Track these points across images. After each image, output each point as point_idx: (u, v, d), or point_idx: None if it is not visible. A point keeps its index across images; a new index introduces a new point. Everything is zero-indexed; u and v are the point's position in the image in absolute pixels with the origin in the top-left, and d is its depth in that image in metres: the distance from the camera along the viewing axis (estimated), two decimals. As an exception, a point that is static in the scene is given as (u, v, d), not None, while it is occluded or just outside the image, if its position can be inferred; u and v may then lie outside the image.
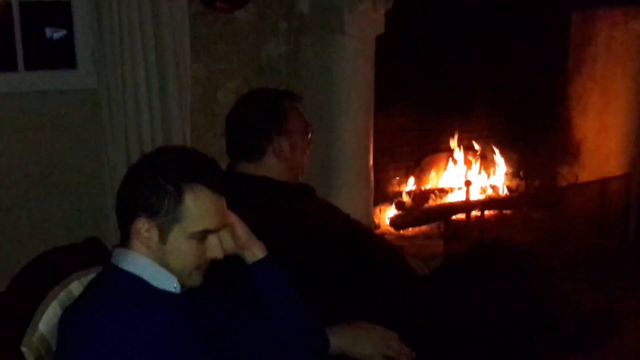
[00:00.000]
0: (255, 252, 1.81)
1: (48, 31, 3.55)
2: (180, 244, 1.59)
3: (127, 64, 3.29)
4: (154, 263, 1.60)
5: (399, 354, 2.06)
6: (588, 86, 4.72)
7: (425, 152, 4.54)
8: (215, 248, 1.65)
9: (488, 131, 4.71)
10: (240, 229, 1.78)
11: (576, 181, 4.49)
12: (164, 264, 1.60)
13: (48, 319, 1.64)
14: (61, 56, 3.50)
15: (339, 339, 1.98)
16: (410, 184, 4.48)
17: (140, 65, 3.31)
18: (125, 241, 1.63)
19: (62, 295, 1.70)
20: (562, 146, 4.86)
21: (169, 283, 1.61)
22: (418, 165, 4.51)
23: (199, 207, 1.58)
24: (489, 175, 4.67)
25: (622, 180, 4.54)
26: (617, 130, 4.62)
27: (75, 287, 1.72)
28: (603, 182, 4.47)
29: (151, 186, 1.57)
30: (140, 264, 1.60)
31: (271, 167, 2.31)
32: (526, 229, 4.26)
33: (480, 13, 4.26)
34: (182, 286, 1.62)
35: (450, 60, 4.33)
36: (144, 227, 1.58)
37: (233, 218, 1.76)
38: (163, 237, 1.58)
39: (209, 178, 1.60)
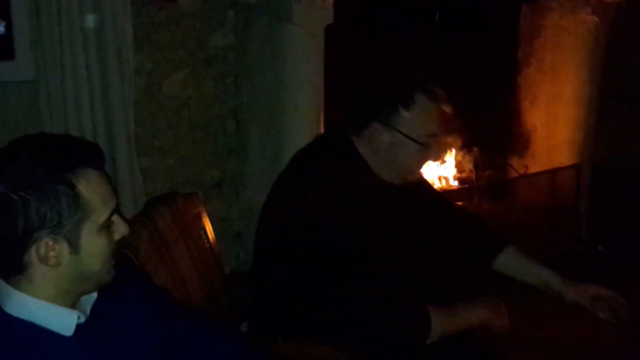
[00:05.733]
0: None
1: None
2: (94, 242, 1.39)
3: (67, 54, 3.19)
4: (47, 303, 1.38)
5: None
6: (538, 77, 4.73)
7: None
8: (120, 225, 1.44)
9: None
10: None
11: (526, 172, 4.50)
12: (81, 274, 1.40)
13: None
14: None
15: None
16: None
17: (81, 56, 3.21)
18: (14, 272, 1.37)
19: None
20: (512, 137, 4.88)
21: (68, 318, 1.40)
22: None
23: (96, 191, 1.37)
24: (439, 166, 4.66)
25: (572, 170, 4.57)
26: (567, 121, 4.64)
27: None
28: (553, 173, 4.49)
29: (39, 196, 1.31)
30: (30, 305, 1.37)
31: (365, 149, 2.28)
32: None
33: (430, 4, 4.23)
34: (101, 286, 1.45)
35: (400, 50, 4.29)
36: (49, 248, 1.34)
37: None
38: (74, 246, 1.37)
39: (87, 156, 1.38)
